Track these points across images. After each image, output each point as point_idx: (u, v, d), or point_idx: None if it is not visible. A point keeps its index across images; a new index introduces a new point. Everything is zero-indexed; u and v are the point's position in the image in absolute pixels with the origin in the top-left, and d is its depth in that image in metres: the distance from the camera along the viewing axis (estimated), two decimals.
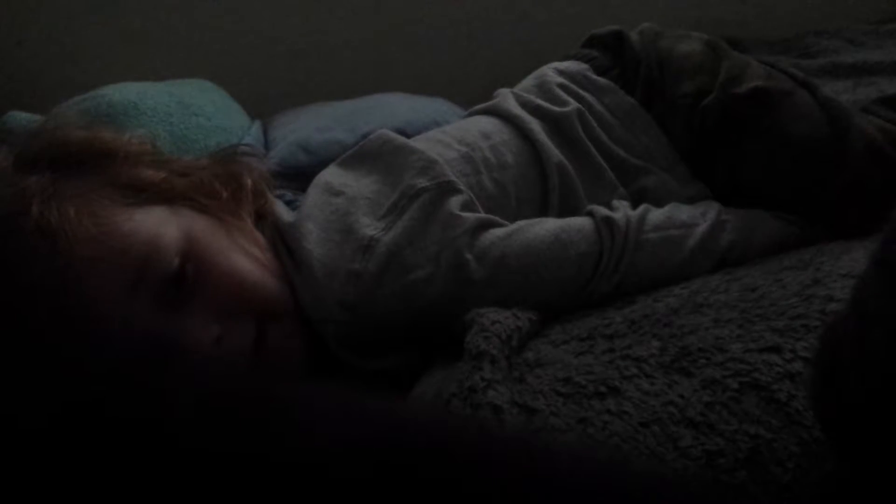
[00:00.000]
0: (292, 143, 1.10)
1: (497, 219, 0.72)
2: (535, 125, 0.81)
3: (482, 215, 0.71)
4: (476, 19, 1.63)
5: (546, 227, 0.72)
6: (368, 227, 0.70)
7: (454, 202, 0.71)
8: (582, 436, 0.54)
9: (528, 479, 0.24)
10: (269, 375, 0.33)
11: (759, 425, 0.52)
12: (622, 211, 0.74)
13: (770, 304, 0.61)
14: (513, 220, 0.73)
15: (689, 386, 0.56)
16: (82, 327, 0.27)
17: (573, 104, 0.84)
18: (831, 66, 1.25)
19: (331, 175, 0.77)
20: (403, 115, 1.16)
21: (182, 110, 1.09)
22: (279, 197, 0.83)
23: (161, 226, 0.69)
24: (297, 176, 0.96)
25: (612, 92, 0.86)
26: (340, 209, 0.72)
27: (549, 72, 0.89)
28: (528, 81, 0.89)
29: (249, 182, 0.78)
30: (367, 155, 0.77)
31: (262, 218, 0.78)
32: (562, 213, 0.77)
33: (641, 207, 0.75)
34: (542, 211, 0.78)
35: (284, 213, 0.78)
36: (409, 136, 0.80)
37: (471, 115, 0.89)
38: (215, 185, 0.76)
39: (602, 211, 0.73)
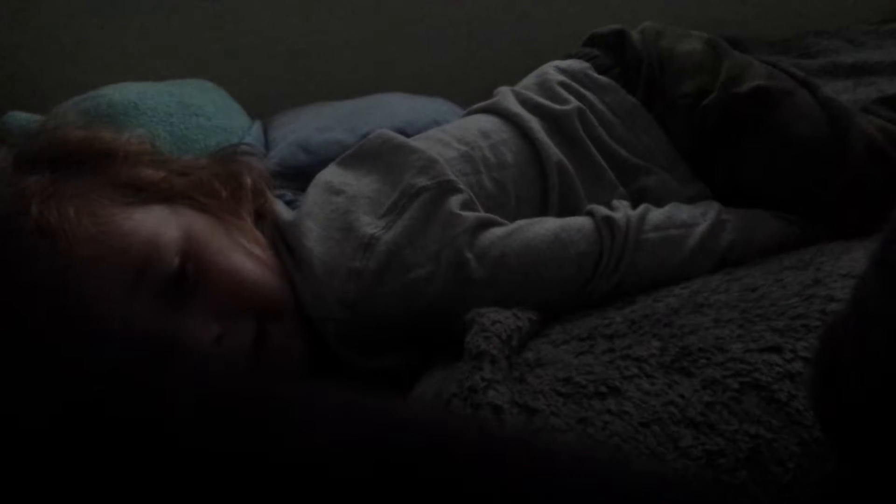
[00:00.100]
0: (292, 143, 1.10)
1: (497, 218, 0.72)
2: (534, 124, 0.81)
3: (482, 214, 0.71)
4: (476, 19, 1.63)
5: (546, 226, 0.72)
6: (369, 225, 0.70)
7: (454, 201, 0.71)
8: (582, 436, 0.54)
9: (528, 479, 0.24)
10: (269, 375, 0.33)
11: (760, 425, 0.52)
12: (622, 210, 0.74)
13: (770, 304, 0.61)
14: (512, 219, 0.73)
15: (689, 386, 0.56)
16: (82, 327, 0.27)
17: (574, 102, 0.84)
18: (831, 66, 1.25)
19: (331, 174, 0.77)
20: (403, 114, 1.16)
21: (182, 110, 1.09)
22: (279, 197, 0.83)
23: (161, 225, 0.69)
24: (298, 176, 0.96)
25: (613, 91, 0.86)
26: (341, 207, 0.72)
27: (551, 70, 0.88)
28: (529, 79, 0.89)
29: (249, 181, 0.78)
30: (367, 154, 0.77)
31: (262, 217, 0.78)
32: (561, 213, 0.77)
33: (641, 207, 0.75)
34: (542, 210, 0.78)
35: (284, 211, 0.78)
36: (408, 136, 0.80)
37: (470, 113, 0.89)
38: (215, 184, 0.76)
39: (602, 210, 0.73)
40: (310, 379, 0.68)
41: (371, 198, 0.72)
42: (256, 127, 1.20)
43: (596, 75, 0.88)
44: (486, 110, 0.86)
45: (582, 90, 0.86)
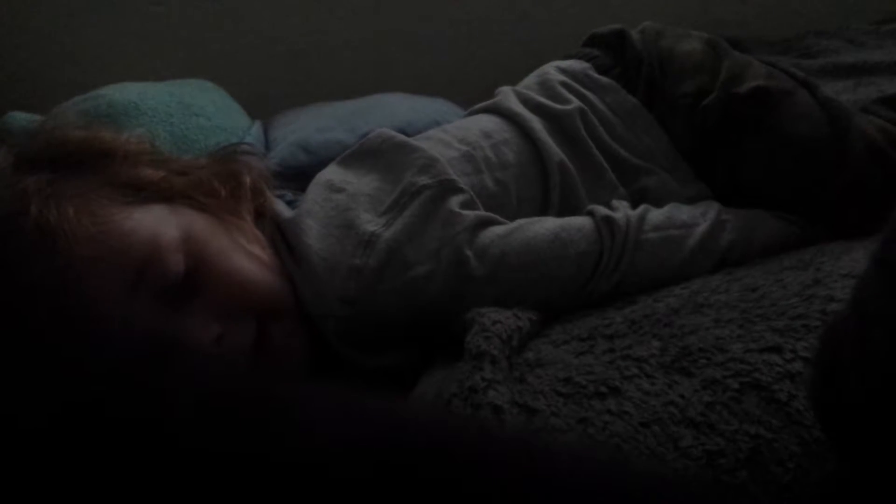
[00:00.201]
0: (292, 143, 1.10)
1: (497, 217, 0.72)
2: (536, 123, 0.81)
3: (482, 213, 0.71)
4: (476, 19, 1.63)
5: (546, 225, 0.72)
6: (369, 222, 0.70)
7: (455, 200, 0.71)
8: (582, 436, 0.54)
9: (528, 479, 0.24)
10: (269, 375, 0.33)
11: (760, 425, 0.52)
12: (622, 211, 0.74)
13: (770, 305, 0.61)
14: (513, 218, 0.73)
15: (689, 386, 0.56)
16: (82, 327, 0.27)
17: (575, 102, 0.84)
18: (832, 66, 1.24)
19: (331, 173, 0.77)
20: (404, 115, 1.16)
21: (182, 110, 1.09)
22: (280, 197, 0.83)
23: (160, 224, 0.69)
24: (298, 176, 0.96)
25: (614, 91, 0.86)
26: (341, 205, 0.72)
27: (551, 70, 0.88)
28: (530, 80, 0.89)
29: (248, 180, 0.78)
30: (368, 153, 0.77)
31: (262, 216, 0.78)
32: (562, 212, 0.77)
33: (641, 207, 0.75)
34: (543, 210, 0.78)
35: (284, 210, 0.78)
36: (409, 136, 0.80)
37: (472, 113, 0.89)
38: (214, 183, 0.76)
39: (602, 210, 0.73)
40: (310, 378, 0.68)
41: (372, 196, 0.72)
42: (256, 127, 1.20)
43: (596, 76, 0.88)
44: (487, 110, 0.86)
45: (583, 90, 0.86)
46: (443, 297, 0.68)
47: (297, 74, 1.58)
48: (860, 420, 0.43)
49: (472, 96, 1.09)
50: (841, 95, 1.00)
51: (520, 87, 0.88)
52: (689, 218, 0.75)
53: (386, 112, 1.18)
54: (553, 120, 0.82)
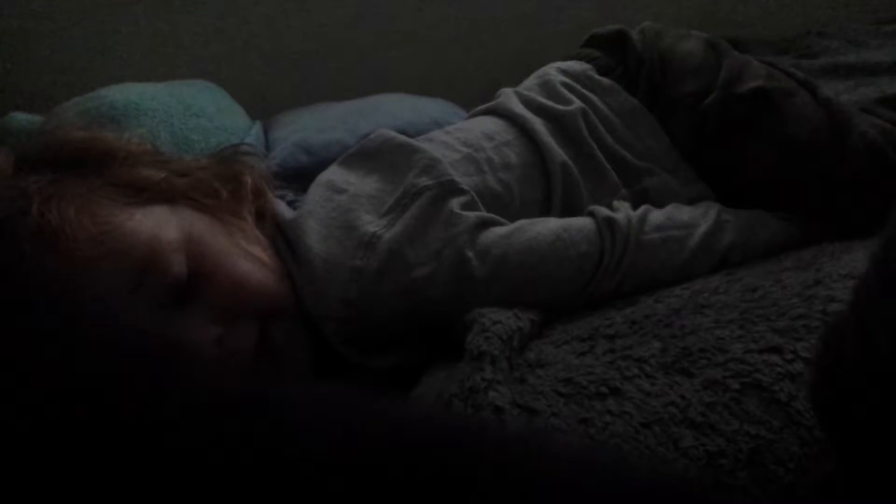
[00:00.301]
0: (293, 143, 1.10)
1: (498, 218, 0.72)
2: (538, 125, 0.81)
3: (484, 214, 0.71)
4: (477, 20, 1.63)
5: (547, 226, 0.72)
6: (370, 223, 0.70)
7: (456, 201, 0.71)
8: (583, 436, 0.54)
9: (528, 479, 0.24)
10: (270, 376, 0.33)
11: (761, 426, 0.52)
12: (623, 211, 0.74)
13: (771, 305, 0.61)
14: (516, 219, 0.73)
15: (690, 386, 0.56)
16: (83, 328, 0.27)
17: (577, 103, 0.84)
18: (832, 67, 1.24)
19: (333, 173, 0.77)
20: (404, 115, 1.16)
21: (183, 111, 1.09)
22: (280, 197, 0.83)
23: (161, 225, 0.69)
24: (298, 177, 0.96)
25: (615, 92, 0.86)
26: (342, 206, 0.72)
27: (552, 71, 0.88)
28: (531, 81, 0.89)
29: (249, 181, 0.78)
30: (370, 153, 0.77)
31: (263, 217, 0.77)
32: (564, 213, 0.77)
33: (642, 208, 0.75)
34: (545, 211, 0.78)
35: (285, 211, 0.78)
36: (411, 137, 0.80)
37: (474, 115, 0.89)
38: (215, 184, 0.76)
39: (603, 211, 0.73)
40: (311, 379, 0.68)
41: (373, 196, 0.72)
42: (257, 128, 1.20)
43: (597, 77, 0.88)
44: (489, 112, 0.86)
45: (584, 91, 0.86)
46: (444, 298, 0.68)
47: (298, 75, 1.58)
48: (861, 420, 0.43)
49: (472, 97, 1.09)
50: (841, 96, 1.00)
51: (521, 88, 0.88)
52: (689, 218, 0.75)
53: (387, 113, 1.18)
54: (555, 121, 0.82)
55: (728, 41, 0.91)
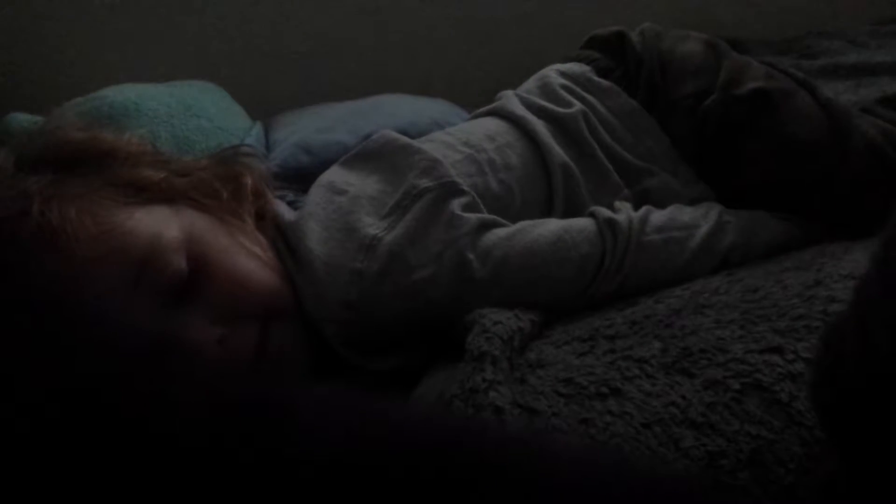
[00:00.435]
0: (294, 144, 1.10)
1: (499, 219, 0.72)
2: (539, 126, 0.81)
3: (485, 216, 0.71)
4: (477, 20, 1.63)
5: (549, 227, 0.72)
6: (371, 226, 0.70)
7: (457, 203, 0.71)
8: (583, 437, 0.54)
9: (529, 480, 0.24)
10: (270, 376, 0.33)
11: (761, 426, 0.52)
12: (624, 212, 0.74)
13: (772, 305, 0.61)
14: (517, 220, 0.73)
15: (690, 387, 0.56)
16: (83, 328, 0.27)
17: (577, 105, 0.84)
18: (832, 67, 1.24)
19: (334, 174, 0.77)
20: (405, 116, 1.16)
21: (183, 112, 1.09)
22: (281, 198, 0.83)
23: (161, 225, 0.69)
24: (299, 177, 0.96)
25: (614, 94, 0.86)
26: (343, 208, 0.72)
27: (552, 73, 0.88)
28: (531, 83, 0.89)
29: (250, 182, 0.78)
30: (371, 154, 0.77)
31: (263, 218, 0.77)
32: (566, 214, 0.77)
33: (643, 209, 0.75)
34: (547, 212, 0.78)
35: (286, 212, 0.78)
36: (411, 138, 0.80)
37: (475, 116, 0.89)
38: (216, 184, 0.76)
39: (604, 212, 0.73)
40: (311, 380, 0.68)
41: (374, 198, 0.72)
42: (257, 128, 1.20)
43: (597, 79, 0.88)
44: (490, 113, 0.86)
45: (583, 94, 0.86)
46: (445, 300, 0.68)
47: (298, 75, 1.58)
48: (861, 420, 0.43)
49: (473, 98, 1.09)
50: (842, 96, 1.00)
51: (520, 90, 0.88)
52: (690, 219, 0.75)
53: (387, 113, 1.18)
54: (556, 123, 0.82)
55: (727, 42, 0.91)
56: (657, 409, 0.54)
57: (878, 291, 0.42)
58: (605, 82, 0.87)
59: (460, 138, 0.80)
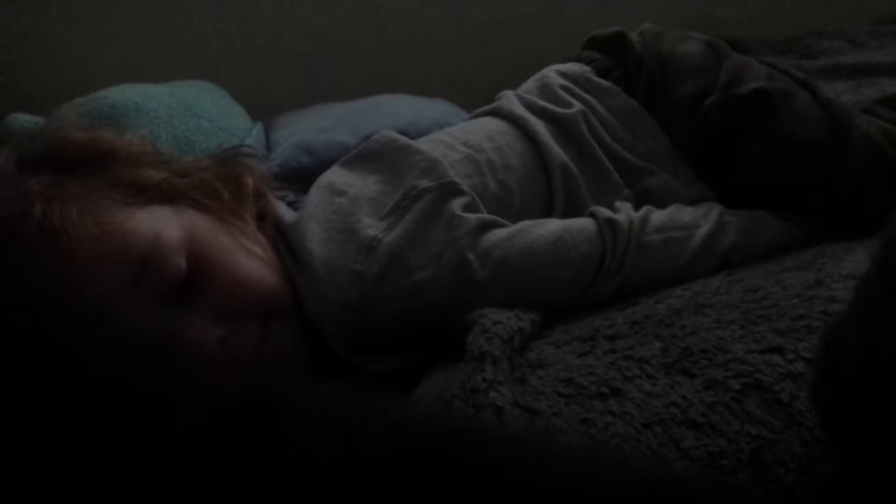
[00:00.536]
0: (294, 144, 1.10)
1: (500, 220, 0.72)
2: (539, 126, 0.81)
3: (485, 216, 0.71)
4: (477, 21, 1.63)
5: (549, 228, 0.72)
6: (370, 227, 0.70)
7: (457, 203, 0.71)
8: (584, 437, 0.54)
9: (530, 480, 0.24)
10: (271, 377, 0.33)
11: (762, 426, 0.52)
12: (625, 212, 0.74)
13: (772, 305, 0.61)
14: (517, 220, 0.73)
15: (691, 387, 0.56)
16: (83, 327, 0.27)
17: (577, 105, 0.84)
18: (833, 67, 1.24)
19: (334, 175, 0.77)
20: (405, 116, 1.16)
21: (184, 112, 1.09)
22: (281, 198, 0.83)
23: (162, 225, 0.69)
24: (299, 177, 0.96)
25: (614, 94, 0.86)
26: (343, 209, 0.72)
27: (551, 74, 0.88)
28: (530, 84, 0.89)
29: (250, 182, 0.79)
30: (371, 155, 0.77)
31: (263, 219, 0.78)
32: (567, 214, 0.77)
33: (644, 209, 0.75)
34: (547, 212, 0.78)
35: (286, 213, 0.78)
36: (411, 138, 0.80)
37: (475, 116, 0.89)
38: (216, 185, 0.76)
39: (604, 212, 0.73)
40: (311, 381, 0.68)
41: (373, 199, 0.72)
42: (258, 128, 1.20)
43: (597, 79, 0.88)
44: (490, 113, 0.86)
45: (583, 94, 0.86)
46: (445, 301, 0.68)
47: (298, 75, 1.58)
48: (862, 420, 0.43)
49: (473, 98, 1.09)
50: (843, 96, 1.00)
51: (520, 90, 0.88)
52: (691, 219, 0.75)
53: (387, 113, 1.18)
54: (556, 123, 0.82)
55: (728, 42, 0.91)
56: (658, 410, 0.54)
57: (879, 291, 0.42)
58: (604, 82, 0.87)
59: (459, 138, 0.80)
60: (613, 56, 0.90)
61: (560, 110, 0.83)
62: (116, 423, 0.24)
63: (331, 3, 1.60)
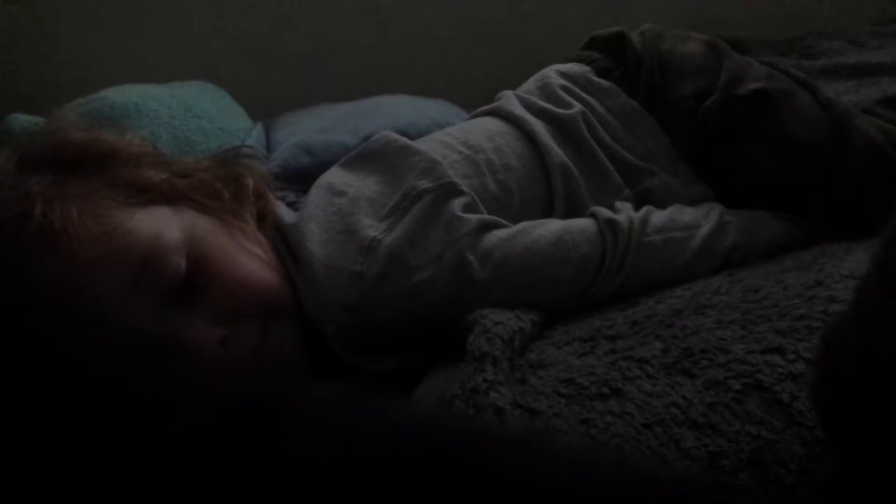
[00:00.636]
0: (294, 144, 1.10)
1: (500, 220, 0.72)
2: (538, 127, 0.81)
3: (485, 216, 0.71)
4: (477, 21, 1.63)
5: (549, 228, 0.72)
6: (370, 228, 0.70)
7: (456, 204, 0.71)
8: (584, 437, 0.54)
9: (530, 480, 0.24)
10: (271, 377, 0.33)
11: (762, 426, 0.52)
12: (625, 213, 0.74)
13: (772, 306, 0.61)
14: (517, 221, 0.73)
15: (691, 387, 0.56)
16: (84, 328, 0.27)
17: (577, 106, 0.84)
18: (833, 67, 1.24)
19: (333, 176, 0.77)
20: (405, 116, 1.16)
21: (184, 112, 1.09)
22: (281, 199, 0.83)
23: (162, 225, 0.69)
24: (299, 178, 0.96)
25: (614, 95, 0.86)
26: (342, 210, 0.72)
27: (551, 74, 0.88)
28: (530, 84, 0.89)
29: (251, 183, 0.79)
30: (371, 155, 0.77)
31: (264, 219, 0.78)
32: (567, 215, 0.77)
33: (644, 209, 0.75)
34: (547, 212, 0.78)
35: (286, 214, 0.78)
36: (411, 138, 0.80)
37: (474, 116, 0.89)
38: (217, 185, 0.76)
39: (605, 213, 0.73)
40: (311, 381, 0.68)
41: (373, 199, 0.72)
42: (258, 129, 1.20)
43: (597, 79, 0.87)
44: (490, 113, 0.86)
45: (583, 94, 0.86)
46: (445, 301, 0.68)
47: (298, 75, 1.58)
48: (862, 420, 0.43)
49: (473, 98, 1.09)
50: (843, 96, 1.00)
51: (520, 91, 0.88)
52: (691, 220, 0.75)
53: (388, 114, 1.18)
54: (556, 123, 0.82)
55: (728, 42, 0.91)
56: (658, 410, 0.54)
57: (879, 291, 0.42)
58: (604, 83, 0.87)
59: (459, 138, 0.80)
60: (614, 56, 0.90)
61: (560, 111, 0.83)
62: (117, 424, 0.24)
63: (331, 3, 1.60)
